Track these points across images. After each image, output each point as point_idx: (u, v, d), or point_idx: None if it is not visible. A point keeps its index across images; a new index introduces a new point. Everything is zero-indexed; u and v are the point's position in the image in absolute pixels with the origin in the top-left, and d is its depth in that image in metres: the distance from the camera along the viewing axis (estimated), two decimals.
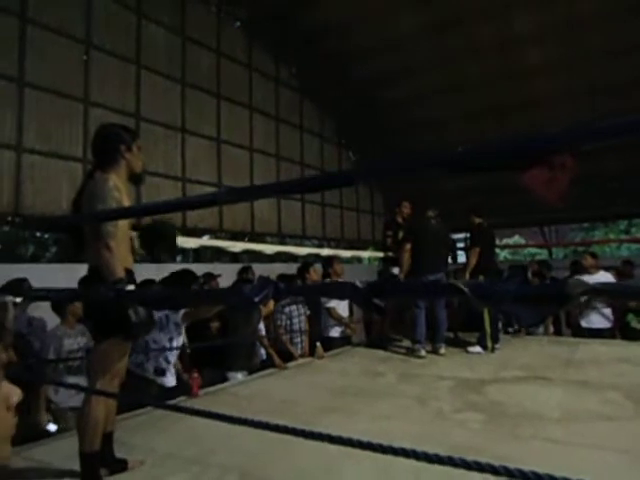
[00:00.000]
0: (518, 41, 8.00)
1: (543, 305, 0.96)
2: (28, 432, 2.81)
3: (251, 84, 8.59)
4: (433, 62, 8.65)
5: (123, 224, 2.14)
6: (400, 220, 5.78)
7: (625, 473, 2.03)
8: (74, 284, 2.78)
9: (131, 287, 2.03)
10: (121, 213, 1.93)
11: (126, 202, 2.17)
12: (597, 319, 5.69)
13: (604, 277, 5.41)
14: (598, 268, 5.58)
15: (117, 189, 2.12)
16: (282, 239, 9.33)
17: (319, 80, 9.65)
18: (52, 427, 3.14)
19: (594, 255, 5.89)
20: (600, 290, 0.89)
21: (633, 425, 2.75)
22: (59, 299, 2.42)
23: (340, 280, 4.93)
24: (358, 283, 1.06)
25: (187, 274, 3.77)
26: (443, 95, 9.06)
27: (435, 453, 0.88)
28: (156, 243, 2.33)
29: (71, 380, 3.32)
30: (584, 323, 5.72)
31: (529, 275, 6.38)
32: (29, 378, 3.10)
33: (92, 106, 5.95)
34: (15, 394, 0.69)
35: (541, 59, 8.13)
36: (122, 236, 2.12)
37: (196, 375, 3.49)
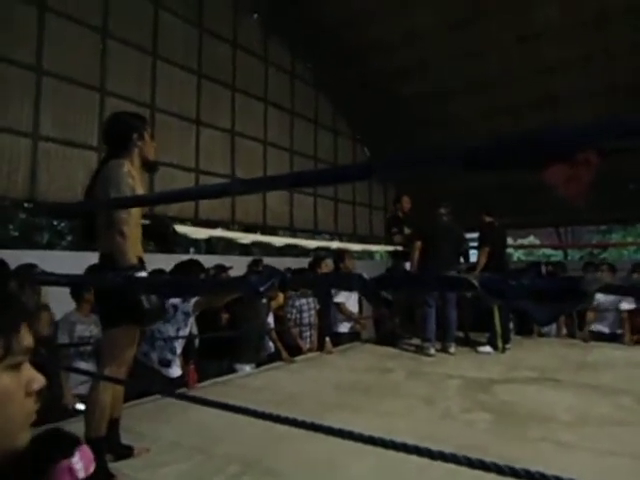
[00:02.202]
0: (537, 39, 7.85)
1: (558, 301, 0.93)
2: (59, 414, 2.86)
3: (266, 77, 8.56)
4: (451, 58, 8.53)
5: (135, 212, 2.14)
6: (401, 215, 5.74)
7: (635, 478, 1.99)
8: None
9: (144, 274, 2.03)
10: (134, 201, 1.93)
11: (140, 189, 2.17)
12: (600, 323, 5.66)
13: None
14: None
15: (131, 176, 2.12)
16: (294, 233, 9.32)
17: (335, 74, 9.59)
18: (81, 406, 3.15)
19: (612, 268, 5.81)
20: (616, 287, 0.86)
21: None
22: (70, 285, 2.44)
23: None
24: (366, 275, 1.04)
25: (193, 264, 3.77)
26: (460, 92, 8.94)
27: (439, 450, 0.86)
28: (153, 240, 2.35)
29: (82, 366, 3.36)
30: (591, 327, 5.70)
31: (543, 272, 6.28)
32: (43, 362, 3.14)
33: (108, 96, 5.98)
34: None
35: (560, 57, 7.98)
36: (134, 224, 2.13)
37: (192, 368, 3.49)
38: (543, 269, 6.32)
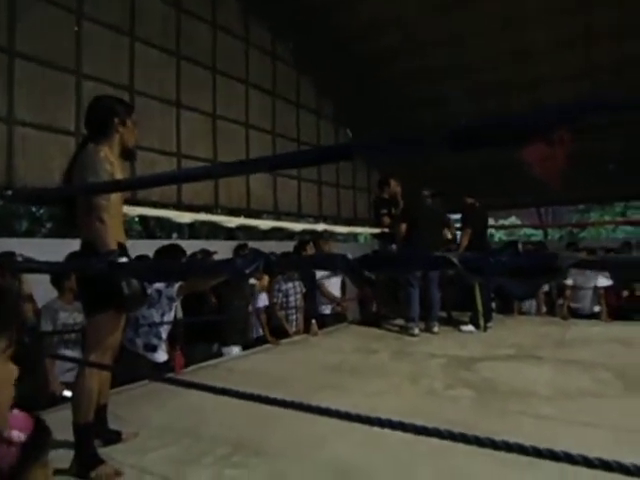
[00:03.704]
0: (522, 21, 7.85)
1: (534, 277, 0.96)
2: (45, 401, 2.86)
3: (247, 58, 8.42)
4: (435, 39, 8.48)
5: (115, 197, 2.11)
6: (387, 197, 5.74)
7: (612, 447, 2.06)
8: None
9: (124, 260, 2.01)
10: (113, 186, 1.90)
11: (119, 175, 2.14)
12: (578, 301, 5.83)
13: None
14: None
15: (109, 161, 2.09)
16: (278, 216, 9.30)
17: (317, 56, 9.47)
18: (67, 393, 3.14)
19: (593, 252, 5.99)
20: (589, 262, 0.88)
21: (622, 402, 2.79)
22: (51, 272, 2.41)
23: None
24: (349, 255, 1.05)
25: (175, 249, 3.75)
26: (445, 72, 8.92)
27: (423, 425, 0.89)
28: None
29: (67, 353, 3.34)
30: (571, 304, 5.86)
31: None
32: (27, 351, 3.14)
33: (84, 79, 5.82)
34: (16, 370, 0.72)
35: (544, 39, 8.00)
36: (114, 210, 2.10)
37: (179, 353, 3.49)
38: (520, 247, 6.46)
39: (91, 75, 5.88)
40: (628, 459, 0.84)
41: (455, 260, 0.86)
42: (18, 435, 0.74)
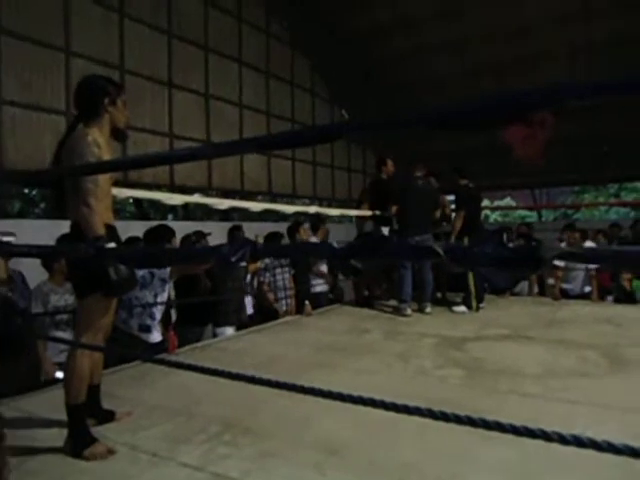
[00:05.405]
0: None
1: (517, 268, 0.97)
2: (39, 382, 2.89)
3: (240, 36, 8.29)
4: (431, 18, 8.38)
5: (103, 179, 2.10)
6: (385, 177, 5.71)
7: (592, 425, 2.11)
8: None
9: (111, 245, 2.01)
10: (99, 167, 1.89)
11: (107, 157, 2.12)
12: (570, 282, 5.88)
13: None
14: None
15: (97, 144, 2.07)
16: (272, 198, 9.28)
17: (311, 34, 9.33)
18: (60, 374, 3.16)
19: (585, 233, 6.07)
20: (572, 254, 0.89)
21: (606, 381, 2.85)
22: (39, 255, 2.40)
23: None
24: (335, 244, 1.06)
25: (164, 229, 3.76)
26: (441, 52, 8.83)
27: (404, 404, 0.90)
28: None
29: (59, 335, 3.35)
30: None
31: (505, 238, 6.46)
32: (20, 333, 3.17)
33: (74, 57, 5.72)
34: None
35: (540, 16, 7.91)
36: (103, 192, 2.09)
37: (172, 334, 3.52)
38: (505, 237, 6.49)
39: (81, 53, 5.79)
40: (607, 436, 0.86)
41: (440, 250, 0.87)
42: None
